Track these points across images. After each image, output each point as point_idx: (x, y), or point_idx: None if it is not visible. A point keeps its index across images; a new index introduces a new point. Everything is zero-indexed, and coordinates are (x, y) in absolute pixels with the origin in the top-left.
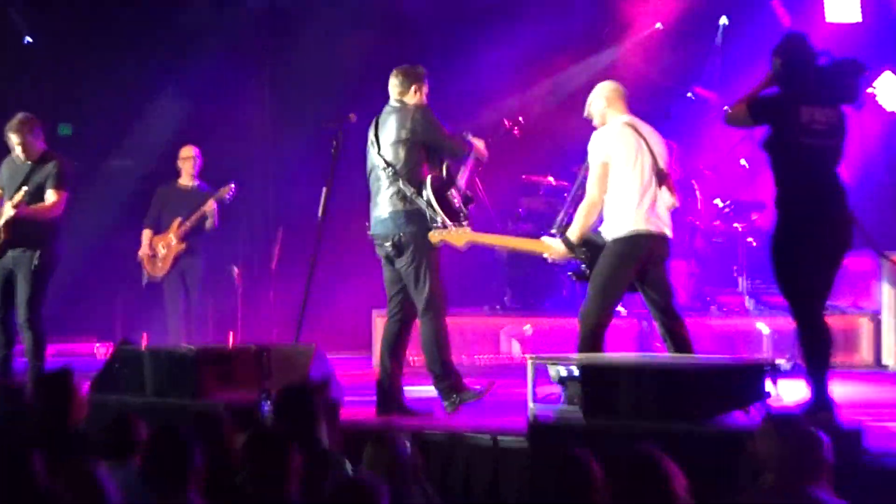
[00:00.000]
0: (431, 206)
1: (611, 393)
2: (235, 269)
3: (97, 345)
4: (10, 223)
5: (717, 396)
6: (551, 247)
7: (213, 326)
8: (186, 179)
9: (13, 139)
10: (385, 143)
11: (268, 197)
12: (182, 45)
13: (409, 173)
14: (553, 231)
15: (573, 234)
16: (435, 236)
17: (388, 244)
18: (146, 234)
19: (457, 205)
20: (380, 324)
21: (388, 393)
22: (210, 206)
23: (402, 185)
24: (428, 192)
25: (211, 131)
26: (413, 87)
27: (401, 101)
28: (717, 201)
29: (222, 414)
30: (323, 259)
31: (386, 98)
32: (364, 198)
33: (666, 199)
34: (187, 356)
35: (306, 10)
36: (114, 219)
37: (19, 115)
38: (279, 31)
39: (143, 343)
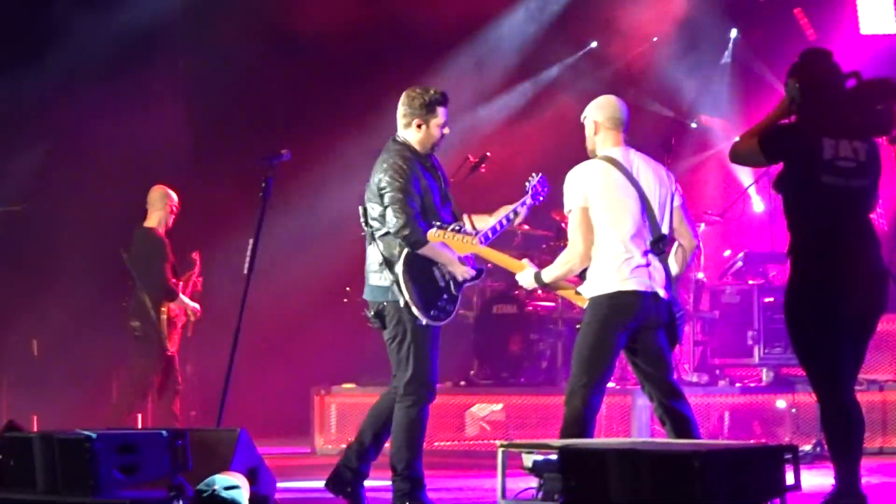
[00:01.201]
0: (398, 284)
1: (597, 486)
2: None
3: None
4: None
5: (728, 489)
6: (522, 275)
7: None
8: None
9: None
10: (369, 191)
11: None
12: (75, 67)
13: (386, 235)
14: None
15: (548, 275)
16: (434, 235)
17: (371, 313)
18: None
19: (442, 282)
20: (318, 404)
21: (349, 473)
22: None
23: (381, 250)
24: (399, 267)
25: (112, 170)
26: (415, 121)
27: (395, 139)
28: (727, 253)
29: None
30: (250, 324)
31: (319, 136)
32: (299, 250)
33: (679, 247)
34: (84, 444)
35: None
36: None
37: None
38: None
39: (34, 427)
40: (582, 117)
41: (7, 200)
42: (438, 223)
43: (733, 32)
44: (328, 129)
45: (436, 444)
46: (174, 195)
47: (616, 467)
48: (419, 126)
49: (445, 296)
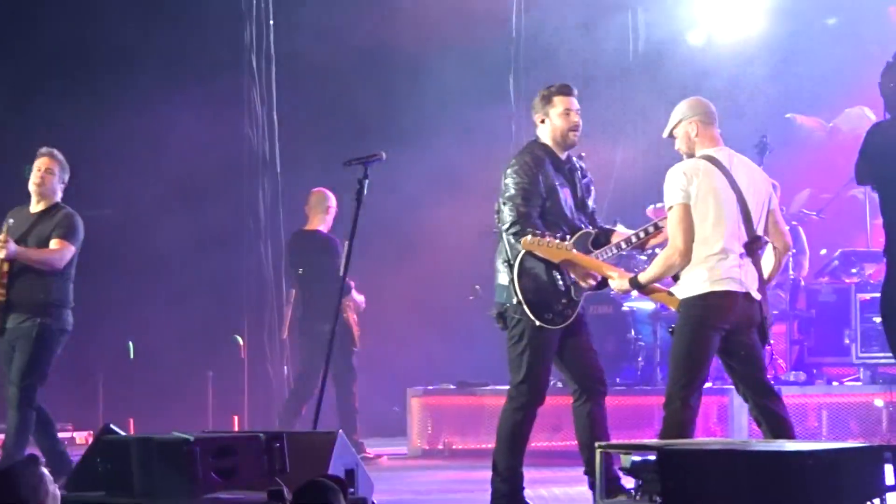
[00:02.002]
0: (513, 283)
1: (696, 486)
2: (240, 340)
3: (74, 433)
4: (5, 281)
5: (827, 489)
6: (617, 281)
7: (215, 409)
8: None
9: (40, 162)
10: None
11: (277, 252)
12: (167, 81)
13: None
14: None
15: (646, 277)
16: (528, 242)
17: (494, 312)
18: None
19: (563, 286)
20: (416, 405)
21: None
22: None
23: (505, 248)
24: (517, 266)
25: (204, 176)
26: (538, 117)
27: (533, 139)
28: (823, 252)
29: None
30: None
31: (414, 136)
32: (393, 253)
33: (772, 250)
34: (182, 447)
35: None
36: (91, 280)
37: (46, 149)
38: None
39: (131, 430)
40: (675, 122)
41: (103, 204)
42: (535, 231)
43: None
44: (426, 129)
45: (533, 444)
46: (332, 196)
47: (714, 468)
48: (542, 121)
49: (564, 300)
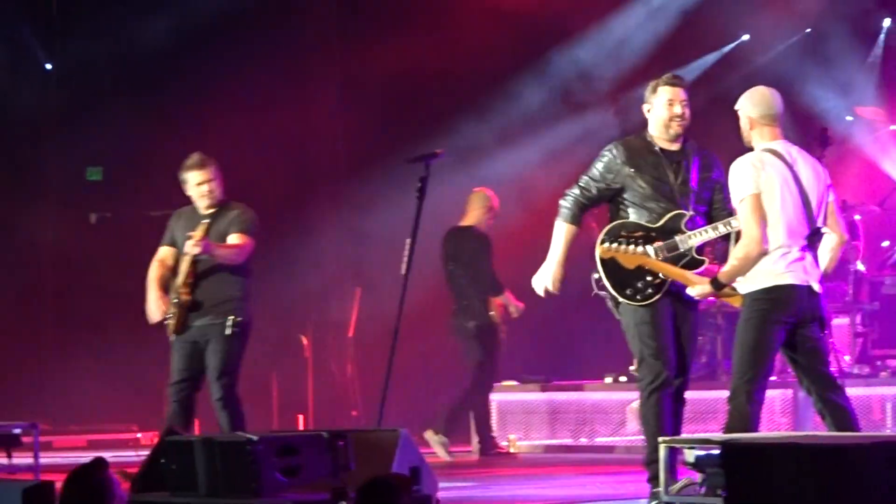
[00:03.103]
0: (595, 263)
1: (760, 481)
2: (304, 339)
3: (139, 434)
4: (192, 281)
5: (891, 483)
6: (694, 282)
7: (279, 408)
8: None
9: (197, 177)
10: None
11: (341, 251)
12: (232, 73)
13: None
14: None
15: (724, 274)
16: (605, 250)
17: (610, 303)
18: None
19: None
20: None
21: None
22: None
23: None
24: (597, 244)
25: (268, 172)
26: (646, 107)
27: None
28: (886, 243)
29: None
30: (409, 324)
31: (480, 130)
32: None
33: (829, 241)
34: (246, 447)
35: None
36: None
37: (198, 154)
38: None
39: (196, 431)
40: (736, 107)
41: (159, 205)
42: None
43: (886, 21)
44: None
45: (597, 440)
46: (495, 198)
47: (779, 462)
48: (648, 110)
49: (649, 277)
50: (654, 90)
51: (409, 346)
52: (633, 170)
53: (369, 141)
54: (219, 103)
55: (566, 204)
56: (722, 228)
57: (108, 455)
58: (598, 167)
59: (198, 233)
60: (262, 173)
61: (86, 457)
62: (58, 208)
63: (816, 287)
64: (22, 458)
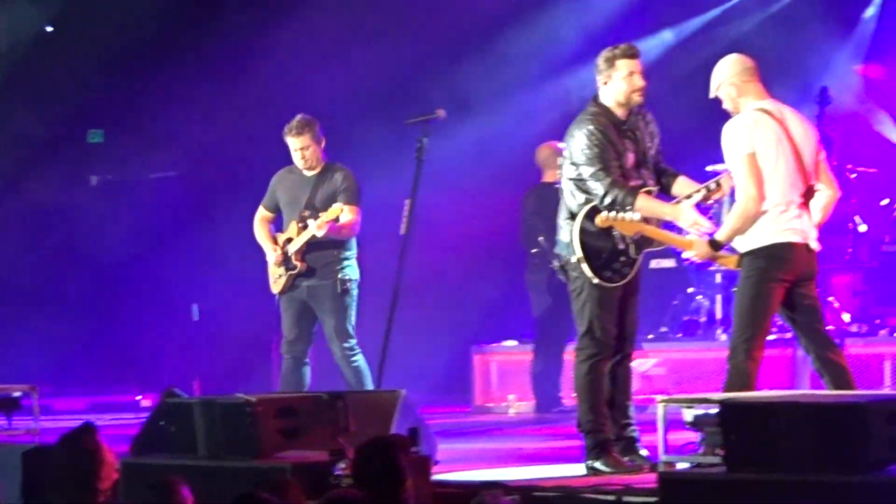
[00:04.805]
0: (573, 240)
1: (759, 439)
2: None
3: (140, 396)
4: (303, 249)
5: (889, 439)
6: (693, 245)
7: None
8: None
9: (295, 143)
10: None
11: None
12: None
13: (571, 188)
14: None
15: (722, 233)
16: (603, 219)
17: (557, 265)
18: None
19: (622, 244)
20: (479, 362)
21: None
22: None
23: (567, 204)
24: (577, 224)
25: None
26: (601, 79)
27: (593, 100)
28: (885, 202)
29: (289, 478)
30: (408, 285)
31: (475, 93)
32: (458, 211)
33: (822, 197)
34: (245, 408)
35: None
36: (155, 243)
37: (300, 117)
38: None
39: (196, 392)
40: (716, 84)
41: (162, 167)
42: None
43: None
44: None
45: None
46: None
47: (776, 420)
48: (605, 83)
49: (623, 258)
50: (611, 63)
51: (409, 307)
52: (614, 145)
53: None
54: (218, 62)
55: (619, 190)
56: (713, 186)
57: (108, 417)
58: (594, 150)
59: (327, 215)
60: (259, 132)
61: (86, 419)
62: (59, 171)
63: (814, 245)
64: (22, 422)
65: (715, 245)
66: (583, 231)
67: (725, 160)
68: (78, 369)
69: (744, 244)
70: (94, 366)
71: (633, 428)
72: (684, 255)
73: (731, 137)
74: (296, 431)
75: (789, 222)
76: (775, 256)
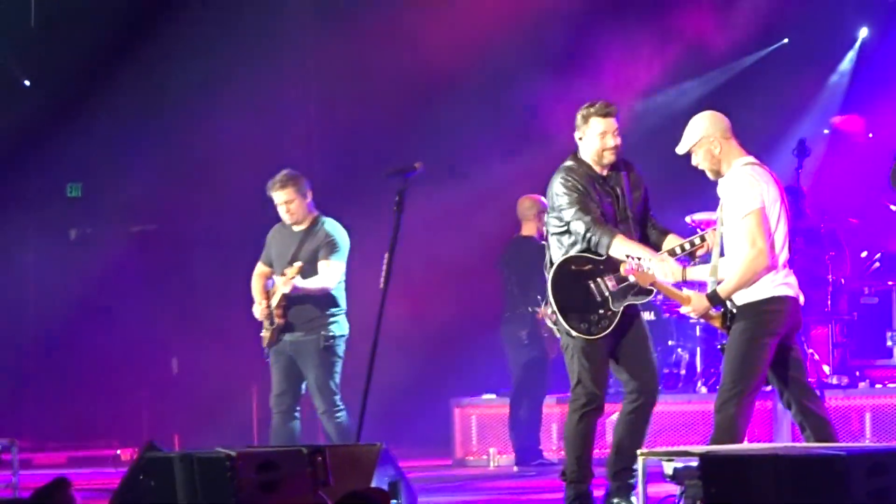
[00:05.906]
0: (549, 291)
1: (739, 492)
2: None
3: (118, 451)
4: (285, 304)
5: (870, 493)
6: (691, 300)
7: (258, 421)
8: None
9: (279, 197)
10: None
11: None
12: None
13: (554, 240)
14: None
15: (725, 288)
16: (629, 270)
17: (550, 322)
18: None
19: (598, 297)
20: (459, 415)
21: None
22: None
23: (553, 257)
24: (551, 275)
25: (239, 181)
26: (578, 135)
27: (573, 154)
28: (864, 254)
29: None
30: (387, 338)
31: (455, 148)
32: (441, 264)
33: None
34: (225, 462)
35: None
36: (137, 295)
37: (284, 172)
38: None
39: (176, 446)
40: (694, 139)
41: (140, 220)
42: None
43: (863, 31)
44: (463, 137)
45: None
46: (543, 202)
47: (757, 473)
48: (580, 139)
49: (601, 310)
50: (586, 120)
51: (389, 359)
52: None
53: (343, 154)
54: (197, 116)
55: (600, 229)
56: (697, 241)
57: (87, 472)
58: (573, 194)
59: (290, 272)
60: (237, 186)
61: (65, 474)
62: (38, 224)
63: (801, 298)
64: (1, 476)
65: (714, 299)
66: (555, 284)
67: (724, 214)
68: (58, 423)
69: (741, 297)
70: (74, 419)
71: (633, 477)
72: (681, 311)
73: (738, 191)
74: (276, 485)
75: (786, 276)
76: (774, 310)
